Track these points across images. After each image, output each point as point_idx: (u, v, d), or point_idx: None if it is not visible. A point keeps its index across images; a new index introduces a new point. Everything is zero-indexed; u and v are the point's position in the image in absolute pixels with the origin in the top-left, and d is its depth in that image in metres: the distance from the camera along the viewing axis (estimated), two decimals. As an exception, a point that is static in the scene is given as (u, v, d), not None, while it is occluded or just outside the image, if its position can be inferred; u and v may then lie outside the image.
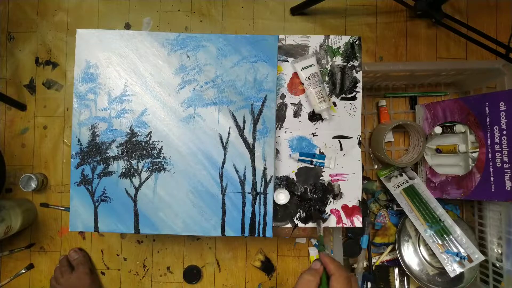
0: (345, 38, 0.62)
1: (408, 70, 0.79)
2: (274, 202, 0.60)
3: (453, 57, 0.97)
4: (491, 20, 0.98)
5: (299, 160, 0.61)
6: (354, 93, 0.62)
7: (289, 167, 0.62)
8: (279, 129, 0.62)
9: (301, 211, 0.61)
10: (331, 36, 0.62)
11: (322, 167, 0.62)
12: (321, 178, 0.62)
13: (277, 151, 0.62)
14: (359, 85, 0.62)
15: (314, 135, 0.62)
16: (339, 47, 0.62)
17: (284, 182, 0.62)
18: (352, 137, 0.62)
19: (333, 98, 0.62)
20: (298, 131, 0.62)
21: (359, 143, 0.62)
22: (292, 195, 0.61)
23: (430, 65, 0.79)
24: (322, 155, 0.61)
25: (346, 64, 0.62)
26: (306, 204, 0.62)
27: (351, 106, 0.62)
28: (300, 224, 0.61)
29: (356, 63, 0.62)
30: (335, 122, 0.62)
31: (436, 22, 0.82)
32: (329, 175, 0.62)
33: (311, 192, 0.62)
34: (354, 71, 0.62)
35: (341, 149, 0.62)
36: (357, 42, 0.62)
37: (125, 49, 0.59)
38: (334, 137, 0.62)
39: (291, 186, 0.62)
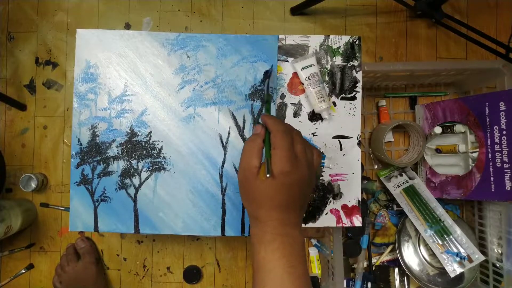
0: (345, 38, 0.62)
1: (408, 70, 0.79)
2: None
3: (453, 57, 0.97)
4: (491, 20, 0.98)
5: (299, 160, 0.61)
6: (354, 93, 0.62)
7: (289, 167, 0.62)
8: (279, 129, 0.62)
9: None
10: (331, 36, 0.62)
11: (322, 167, 0.62)
12: (321, 178, 0.62)
13: (277, 151, 0.62)
14: (359, 85, 0.62)
15: (314, 135, 0.62)
16: (339, 47, 0.62)
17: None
18: (352, 137, 0.62)
19: (333, 98, 0.62)
20: (298, 131, 0.62)
21: (359, 143, 0.62)
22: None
23: (430, 65, 0.79)
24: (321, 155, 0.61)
25: (346, 64, 0.62)
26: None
27: (351, 106, 0.62)
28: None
29: (356, 63, 0.62)
30: (335, 122, 0.62)
31: (436, 22, 0.82)
32: (329, 175, 0.62)
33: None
34: (354, 71, 0.62)
35: (341, 149, 0.62)
36: (357, 42, 0.62)
37: (125, 49, 0.59)
38: (334, 137, 0.62)
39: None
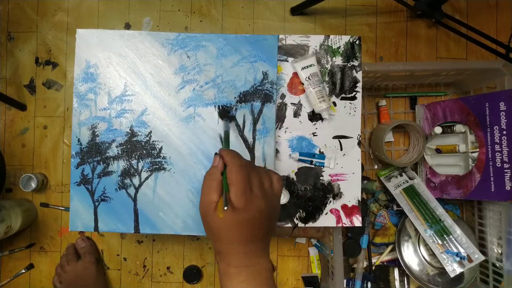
0: (345, 38, 0.62)
1: (408, 70, 0.79)
2: None
3: (453, 57, 0.97)
4: (491, 20, 0.98)
5: (299, 160, 0.61)
6: (354, 93, 0.62)
7: (289, 167, 0.62)
8: (279, 129, 0.62)
9: (301, 211, 0.61)
10: (331, 36, 0.62)
11: (322, 167, 0.62)
12: (321, 178, 0.62)
13: (277, 151, 0.62)
14: (359, 85, 0.62)
15: (314, 135, 0.62)
16: (339, 47, 0.62)
17: (284, 182, 0.62)
18: (352, 137, 0.62)
19: (333, 98, 0.62)
20: (298, 131, 0.62)
21: (359, 143, 0.62)
22: (292, 194, 0.61)
23: (430, 65, 0.79)
24: (322, 155, 0.61)
25: (346, 64, 0.62)
26: (306, 204, 0.62)
27: (351, 106, 0.62)
28: (300, 224, 0.61)
29: (356, 63, 0.62)
30: (335, 122, 0.62)
31: (436, 22, 0.82)
32: (329, 175, 0.62)
33: (311, 191, 0.62)
34: (354, 71, 0.62)
35: (341, 149, 0.62)
36: (357, 42, 0.62)
37: (125, 49, 0.59)
38: (334, 137, 0.62)
39: (291, 186, 0.62)
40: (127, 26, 0.97)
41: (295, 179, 0.62)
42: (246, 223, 0.40)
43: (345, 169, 0.62)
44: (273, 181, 0.44)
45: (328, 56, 0.62)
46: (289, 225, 0.62)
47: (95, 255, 0.91)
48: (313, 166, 0.62)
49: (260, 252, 0.42)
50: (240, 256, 0.41)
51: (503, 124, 0.73)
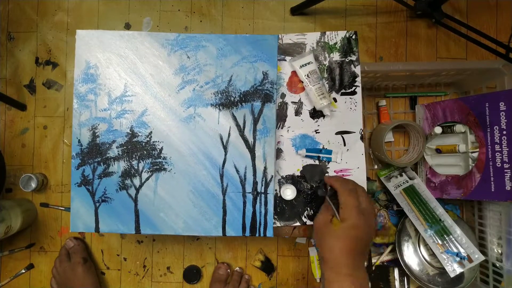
0: (341, 33, 0.62)
1: (408, 70, 0.79)
2: (281, 199, 0.60)
3: (453, 57, 0.97)
4: (491, 20, 0.98)
5: (306, 156, 0.61)
6: (353, 88, 0.62)
7: (293, 165, 0.62)
8: (281, 128, 0.62)
9: (308, 209, 0.61)
10: (327, 32, 0.62)
11: (327, 163, 0.62)
12: (326, 174, 0.62)
13: (280, 150, 0.62)
14: (358, 79, 0.62)
15: (316, 132, 0.62)
16: (335, 43, 0.62)
17: (290, 180, 0.62)
18: (354, 132, 0.62)
19: (333, 94, 0.62)
20: (300, 129, 0.62)
21: (362, 137, 0.62)
22: (299, 193, 0.61)
23: (430, 65, 0.79)
24: (328, 150, 0.61)
25: (344, 59, 0.62)
26: (313, 201, 0.62)
27: (352, 100, 0.62)
28: (309, 222, 0.61)
29: (353, 57, 0.62)
30: (337, 118, 0.62)
31: (436, 22, 0.82)
32: (334, 171, 0.62)
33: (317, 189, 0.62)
34: (352, 65, 0.62)
35: (344, 144, 0.62)
36: (353, 37, 0.62)
37: (125, 49, 0.59)
38: (337, 133, 0.62)
39: (297, 184, 0.62)
40: (127, 26, 0.97)
41: (300, 177, 0.62)
42: (358, 238, 0.50)
43: (350, 164, 0.62)
44: (370, 200, 0.53)
45: (326, 52, 0.62)
46: (297, 223, 0.61)
47: (82, 255, 0.90)
48: (318, 163, 0.62)
49: (361, 263, 0.51)
50: (347, 267, 0.49)
51: (503, 124, 0.73)
